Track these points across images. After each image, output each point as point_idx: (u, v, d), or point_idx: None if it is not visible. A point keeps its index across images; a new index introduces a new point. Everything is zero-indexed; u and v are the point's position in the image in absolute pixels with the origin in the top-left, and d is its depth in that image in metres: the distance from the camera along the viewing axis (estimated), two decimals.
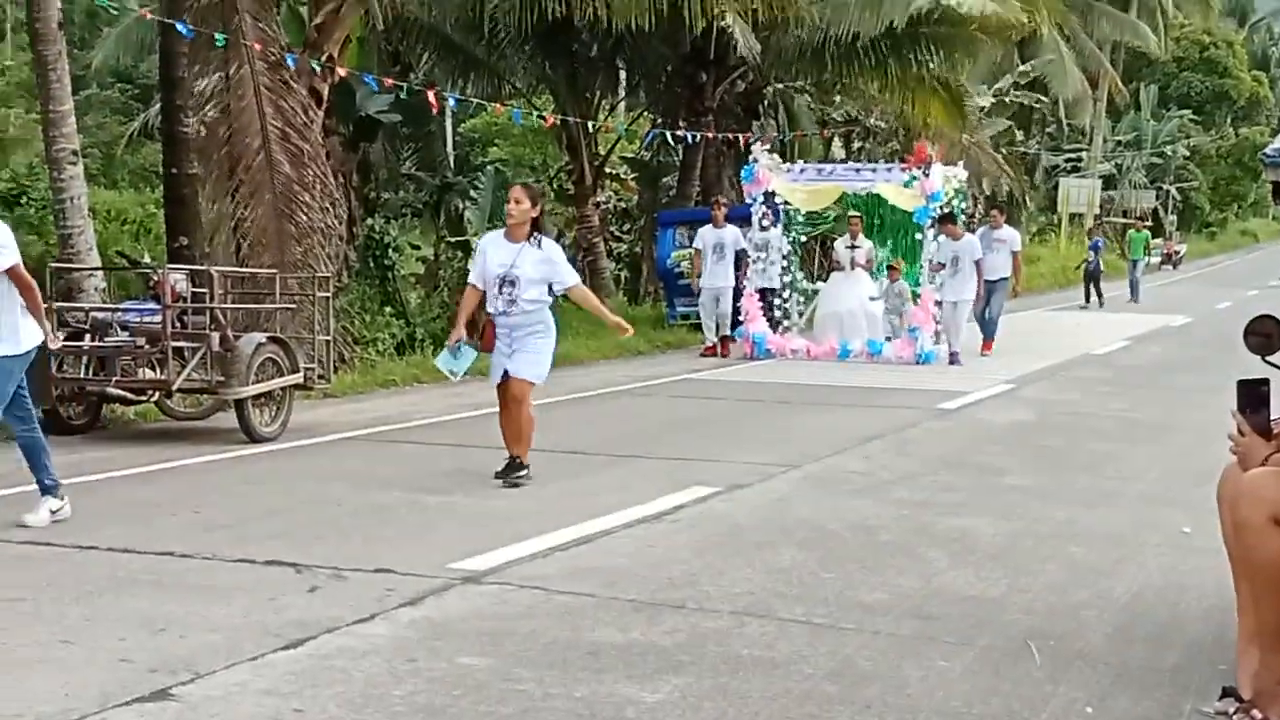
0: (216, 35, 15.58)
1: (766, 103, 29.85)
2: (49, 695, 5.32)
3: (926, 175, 19.52)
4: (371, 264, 20.72)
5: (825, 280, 22.04)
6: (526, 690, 5.46)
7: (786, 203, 21.06)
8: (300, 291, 14.45)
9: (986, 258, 20.59)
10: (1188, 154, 71.12)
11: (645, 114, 31.51)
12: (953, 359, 19.80)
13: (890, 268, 21.05)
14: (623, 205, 33.11)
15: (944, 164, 20.59)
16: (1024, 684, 5.71)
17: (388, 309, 19.84)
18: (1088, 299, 34.38)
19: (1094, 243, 35.90)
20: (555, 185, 32.61)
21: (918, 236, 20.28)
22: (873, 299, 20.60)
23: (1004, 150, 41.26)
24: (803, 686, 5.59)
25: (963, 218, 21.67)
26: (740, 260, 20.98)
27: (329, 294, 14.03)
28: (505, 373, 9.91)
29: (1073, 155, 64.41)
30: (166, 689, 5.41)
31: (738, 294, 20.96)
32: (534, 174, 36.09)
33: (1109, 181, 63.16)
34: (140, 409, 13.27)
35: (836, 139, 33.61)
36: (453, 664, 5.78)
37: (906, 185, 19.66)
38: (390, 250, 20.99)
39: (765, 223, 20.94)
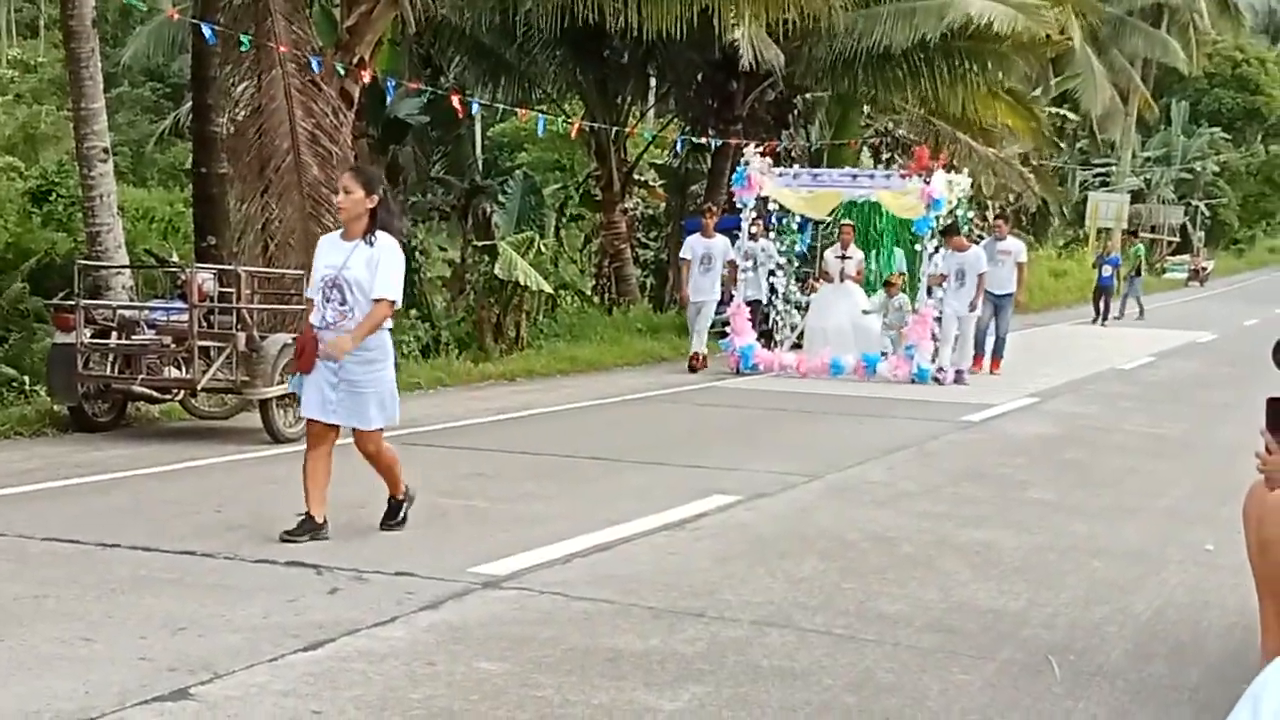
0: (242, 37, 15.63)
1: (797, 112, 29.79)
2: (69, 692, 5.34)
3: (928, 183, 18.22)
4: None
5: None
6: (545, 696, 5.46)
7: (782, 208, 20.22)
8: None
9: (992, 271, 19.37)
10: (1217, 170, 70.88)
11: (675, 121, 31.53)
12: (958, 377, 18.74)
13: (888, 282, 19.94)
14: (650, 212, 33.13)
15: (946, 170, 19.44)
16: (1044, 699, 5.69)
17: (413, 312, 19.90)
18: (1097, 314, 34.16)
19: (1111, 258, 35.53)
20: (583, 191, 32.66)
21: (916, 248, 19.36)
22: (865, 312, 19.63)
23: (1034, 162, 41.13)
24: (822, 697, 5.58)
25: (967, 228, 20.44)
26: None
27: None
28: (330, 409, 8.12)
29: (1102, 170, 64.29)
30: (185, 688, 5.42)
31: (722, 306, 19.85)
32: (561, 178, 36.17)
33: (1138, 196, 62.97)
34: (165, 407, 13.32)
35: (865, 150, 33.54)
36: (471, 668, 5.79)
37: (907, 190, 18.45)
38: (417, 253, 21.05)
39: (754, 230, 19.96)
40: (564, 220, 33.14)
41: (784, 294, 20.99)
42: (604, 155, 27.74)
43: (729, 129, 25.90)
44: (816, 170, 21.25)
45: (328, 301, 8.08)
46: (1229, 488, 8.55)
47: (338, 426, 8.17)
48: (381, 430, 8.23)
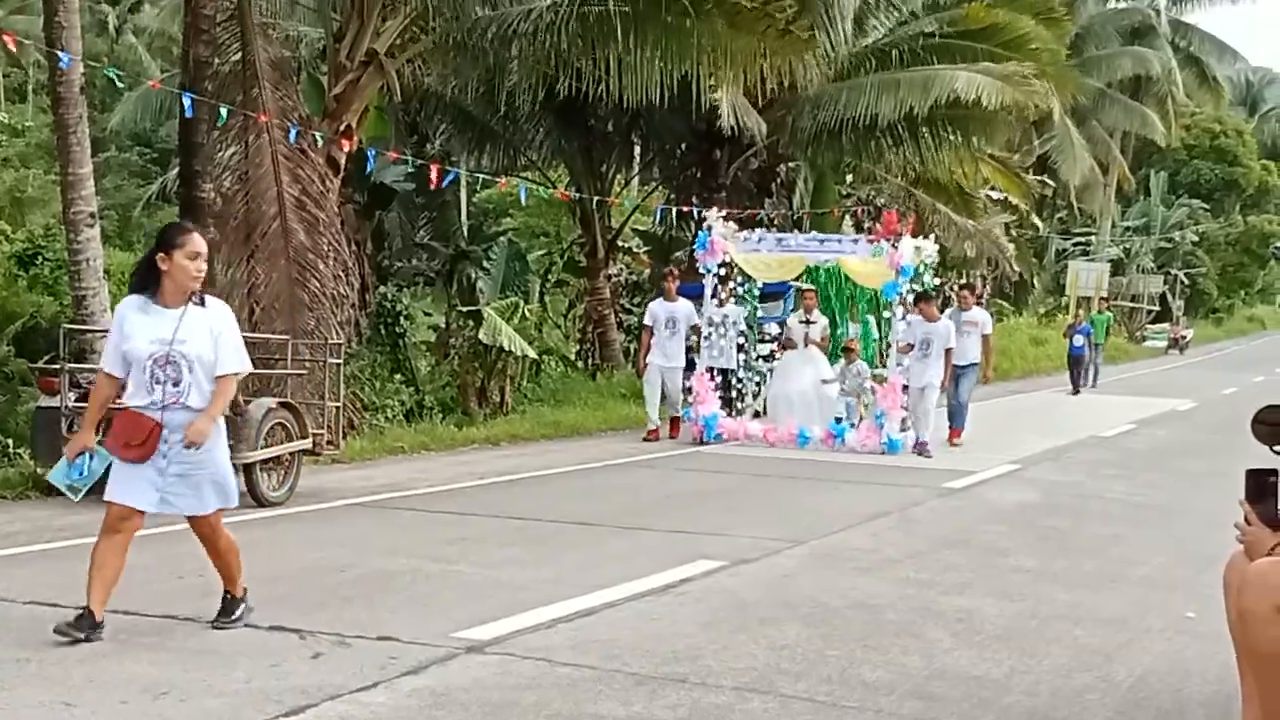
0: (221, 108, 15.70)
1: (780, 180, 29.95)
2: None
3: (895, 247, 17.72)
4: (383, 331, 20.84)
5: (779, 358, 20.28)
6: None
7: (744, 275, 19.70)
8: (311, 357, 14.52)
9: (957, 341, 18.74)
10: (1196, 240, 71.35)
11: (659, 189, 31.71)
12: (920, 449, 17.92)
13: (846, 348, 19.49)
14: (634, 278, 33.23)
15: (913, 236, 18.72)
16: None
17: (397, 376, 19.95)
18: (1075, 386, 33.81)
19: (1081, 328, 35.31)
20: (567, 257, 32.80)
21: (885, 314, 18.87)
22: (825, 382, 19.07)
23: (1014, 232, 41.42)
24: None
25: (932, 294, 19.49)
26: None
27: (340, 360, 14.10)
28: (163, 500, 7.34)
29: (1082, 239, 64.72)
30: None
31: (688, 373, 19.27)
32: (546, 244, 36.33)
33: (1117, 266, 63.37)
34: None
35: (847, 218, 33.74)
36: None
37: (874, 255, 17.92)
38: (401, 318, 21.12)
39: (723, 295, 19.32)
40: (548, 286, 33.28)
41: (747, 361, 20.45)
42: (589, 222, 27.91)
43: (712, 197, 25.95)
44: (782, 235, 20.72)
45: (157, 382, 7.14)
46: (1209, 555, 8.59)
47: (143, 514, 7.36)
48: (220, 512, 7.48)
